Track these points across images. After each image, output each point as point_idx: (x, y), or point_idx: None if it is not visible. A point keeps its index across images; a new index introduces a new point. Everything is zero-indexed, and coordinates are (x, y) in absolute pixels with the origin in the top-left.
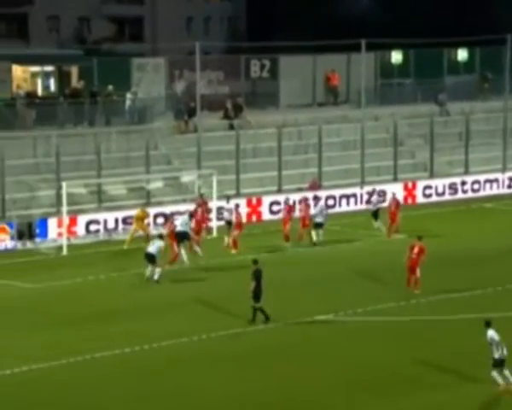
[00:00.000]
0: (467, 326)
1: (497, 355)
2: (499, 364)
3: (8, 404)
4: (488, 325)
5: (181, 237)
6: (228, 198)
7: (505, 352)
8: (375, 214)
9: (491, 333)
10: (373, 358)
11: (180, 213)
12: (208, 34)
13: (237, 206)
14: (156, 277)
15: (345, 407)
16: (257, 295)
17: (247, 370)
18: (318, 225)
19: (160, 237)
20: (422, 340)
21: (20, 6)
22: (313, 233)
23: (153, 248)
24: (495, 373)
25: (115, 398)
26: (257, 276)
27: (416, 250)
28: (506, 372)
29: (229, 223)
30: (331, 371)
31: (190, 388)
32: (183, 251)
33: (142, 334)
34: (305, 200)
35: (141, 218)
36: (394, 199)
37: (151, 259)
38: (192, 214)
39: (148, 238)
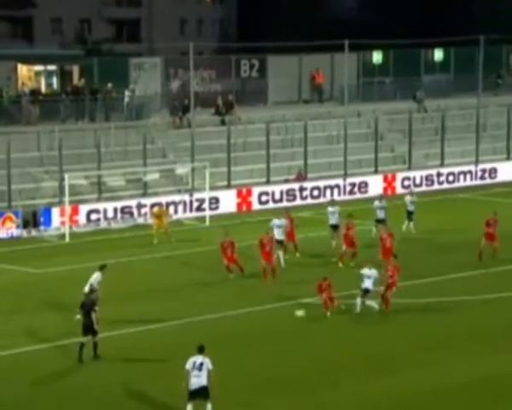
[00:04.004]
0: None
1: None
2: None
3: (14, 382)
4: (201, 350)
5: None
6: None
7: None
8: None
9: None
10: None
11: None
12: (201, 35)
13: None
14: None
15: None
16: (87, 328)
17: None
18: (381, 221)
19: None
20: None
21: (25, 9)
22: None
23: None
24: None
25: (121, 379)
26: (85, 307)
27: None
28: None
29: (334, 227)
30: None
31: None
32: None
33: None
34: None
35: (158, 215)
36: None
37: None
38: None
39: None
